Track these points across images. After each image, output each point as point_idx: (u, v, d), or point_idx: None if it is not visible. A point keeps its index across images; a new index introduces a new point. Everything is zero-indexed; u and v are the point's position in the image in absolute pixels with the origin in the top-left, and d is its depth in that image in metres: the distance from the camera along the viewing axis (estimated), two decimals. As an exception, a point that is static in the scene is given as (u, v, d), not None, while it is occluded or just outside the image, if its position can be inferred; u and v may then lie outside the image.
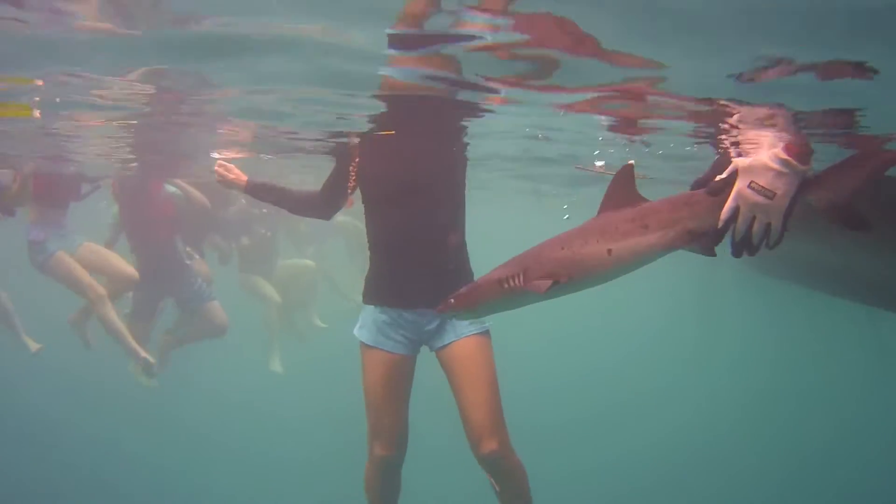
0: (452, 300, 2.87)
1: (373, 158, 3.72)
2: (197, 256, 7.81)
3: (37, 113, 4.59)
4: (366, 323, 3.71)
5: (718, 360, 15.81)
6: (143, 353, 6.86)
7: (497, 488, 3.62)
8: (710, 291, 18.12)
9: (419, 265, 3.57)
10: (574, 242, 2.69)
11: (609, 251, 2.63)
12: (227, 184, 4.05)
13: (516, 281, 2.72)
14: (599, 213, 2.76)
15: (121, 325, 6.75)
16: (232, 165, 4.07)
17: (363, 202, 3.71)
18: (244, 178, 4.02)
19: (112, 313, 6.68)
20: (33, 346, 8.08)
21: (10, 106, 4.37)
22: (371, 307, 3.72)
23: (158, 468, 9.15)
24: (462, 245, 3.68)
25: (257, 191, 4.01)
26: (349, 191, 3.78)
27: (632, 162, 2.76)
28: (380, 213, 3.67)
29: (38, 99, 4.13)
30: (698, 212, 2.58)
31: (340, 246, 11.48)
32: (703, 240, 2.56)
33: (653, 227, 2.62)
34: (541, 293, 2.65)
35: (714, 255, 2.57)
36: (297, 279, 10.28)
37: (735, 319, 17.19)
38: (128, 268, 6.91)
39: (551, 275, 2.65)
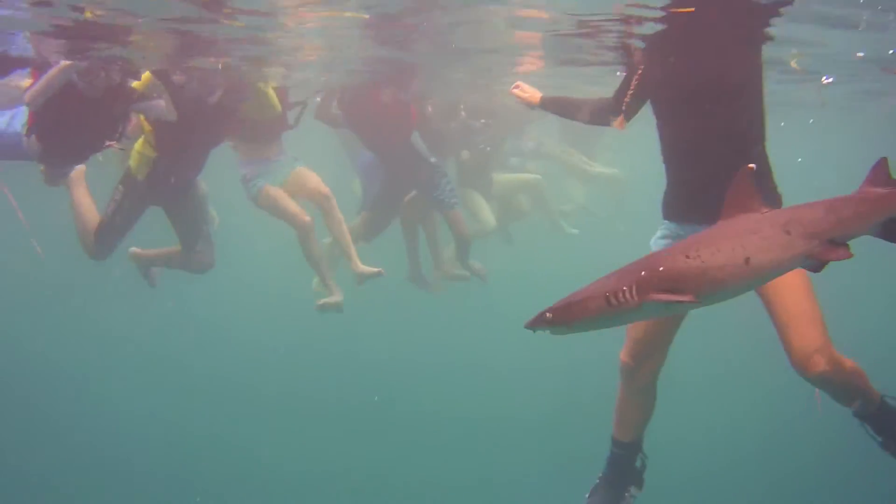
0: (549, 314, 2.44)
1: (664, 61, 3.61)
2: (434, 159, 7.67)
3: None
4: (664, 236, 3.60)
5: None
6: (336, 295, 6.88)
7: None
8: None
9: (716, 177, 3.12)
10: (702, 250, 2.37)
11: (747, 260, 2.34)
12: (523, 101, 4.21)
13: (627, 295, 2.34)
14: (724, 217, 2.53)
15: (321, 257, 6.88)
16: (524, 84, 4.25)
17: (654, 114, 3.64)
18: (538, 94, 4.17)
19: (314, 244, 6.76)
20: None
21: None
22: (668, 222, 3.59)
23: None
24: (764, 158, 3.42)
25: (550, 105, 4.16)
26: (624, 105, 3.77)
27: (752, 166, 2.62)
28: (673, 121, 3.52)
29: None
30: (845, 219, 2.43)
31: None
32: (844, 249, 2.42)
33: (796, 235, 2.40)
34: (659, 311, 2.42)
35: (851, 255, 2.41)
36: (520, 191, 9.83)
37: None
38: (323, 186, 6.93)
39: (673, 289, 2.30)
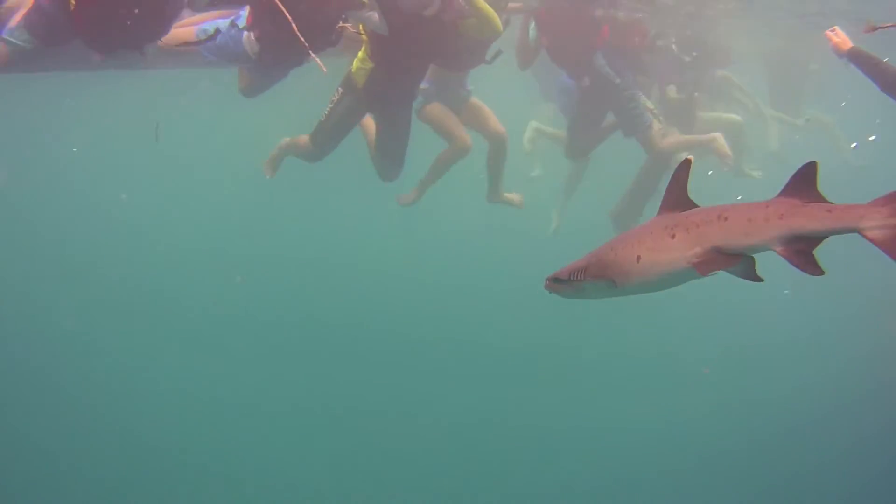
0: (546, 282, 2.69)
1: None
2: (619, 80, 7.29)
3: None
4: None
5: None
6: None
7: None
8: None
9: None
10: (620, 244, 2.50)
11: (638, 258, 2.39)
12: (834, 45, 4.30)
13: (576, 275, 2.55)
14: (659, 212, 2.53)
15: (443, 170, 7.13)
16: (839, 29, 4.39)
17: None
18: (849, 43, 4.27)
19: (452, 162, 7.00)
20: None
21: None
22: None
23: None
24: None
25: (858, 58, 4.19)
26: None
27: (690, 157, 2.55)
28: None
29: None
30: (734, 229, 2.24)
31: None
32: (733, 262, 2.25)
33: (679, 239, 2.31)
34: (598, 293, 2.50)
35: (760, 279, 2.26)
36: (720, 131, 9.15)
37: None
38: (500, 126, 7.16)
39: (602, 276, 2.46)
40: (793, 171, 2.27)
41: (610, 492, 9.11)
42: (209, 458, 9.04)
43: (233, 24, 5.45)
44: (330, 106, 6.02)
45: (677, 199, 2.48)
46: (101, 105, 13.49)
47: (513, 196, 7.73)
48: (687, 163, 2.49)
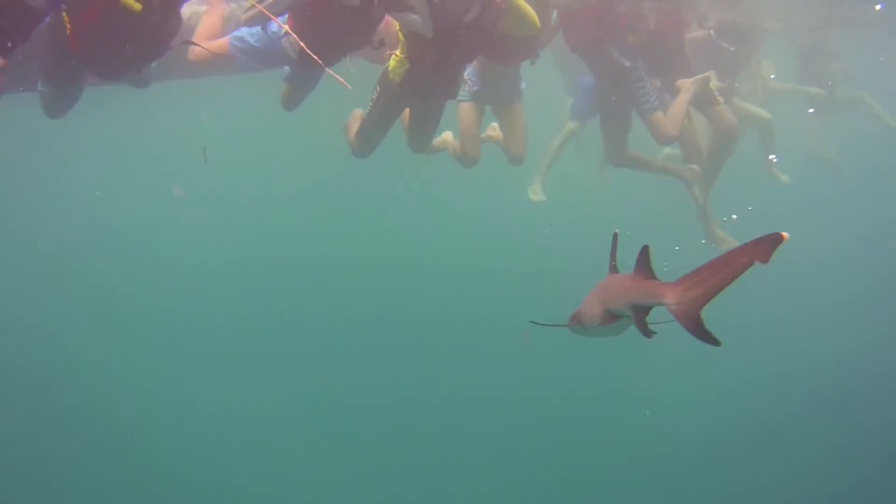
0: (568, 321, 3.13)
1: None
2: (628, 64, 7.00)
3: None
4: None
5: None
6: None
7: None
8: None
9: None
10: (585, 300, 2.98)
11: (586, 312, 2.92)
12: None
13: (573, 319, 3.04)
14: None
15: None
16: None
17: None
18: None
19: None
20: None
21: None
22: None
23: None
24: None
25: None
26: None
27: (616, 230, 3.03)
28: None
29: None
30: (609, 295, 2.79)
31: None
32: (613, 320, 2.76)
33: (596, 300, 2.88)
34: (582, 333, 3.00)
35: (649, 334, 2.58)
36: (749, 123, 9.11)
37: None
38: (522, 151, 7.20)
39: (580, 321, 2.96)
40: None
41: (632, 468, 9.31)
42: (210, 463, 9.23)
43: (264, 29, 5.71)
44: (370, 104, 6.23)
45: (613, 265, 3.05)
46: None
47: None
48: (616, 235, 3.05)
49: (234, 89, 8.44)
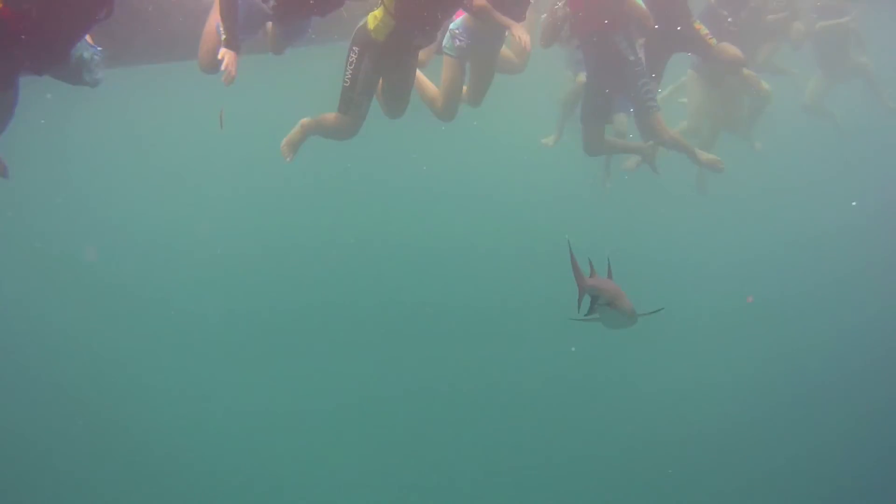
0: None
1: None
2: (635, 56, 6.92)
3: None
4: None
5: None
6: None
7: None
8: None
9: None
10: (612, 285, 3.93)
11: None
12: None
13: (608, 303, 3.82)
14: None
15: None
16: None
17: None
18: None
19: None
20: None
21: None
22: None
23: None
24: None
25: None
26: None
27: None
28: None
29: None
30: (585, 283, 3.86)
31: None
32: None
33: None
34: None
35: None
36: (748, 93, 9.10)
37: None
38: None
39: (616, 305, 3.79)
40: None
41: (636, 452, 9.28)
42: (220, 457, 9.23)
43: None
44: (350, 69, 5.79)
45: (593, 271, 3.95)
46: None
47: None
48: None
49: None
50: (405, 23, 5.60)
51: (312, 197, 14.40)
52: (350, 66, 5.78)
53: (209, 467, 9.13)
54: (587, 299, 3.76)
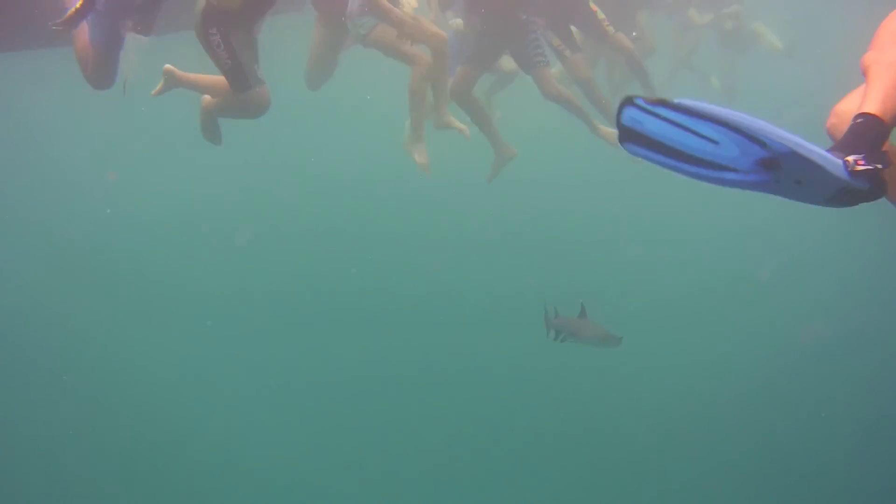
0: None
1: None
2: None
3: None
4: None
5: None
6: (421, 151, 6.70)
7: None
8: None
9: None
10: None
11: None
12: None
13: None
14: None
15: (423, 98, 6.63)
16: None
17: None
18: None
19: (425, 87, 6.57)
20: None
21: None
22: None
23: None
24: None
25: None
26: None
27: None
28: None
29: None
30: None
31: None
32: None
33: None
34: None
35: None
36: None
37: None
38: (439, 29, 6.59)
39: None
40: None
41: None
42: (221, 448, 9.30)
43: None
44: (218, 51, 5.18)
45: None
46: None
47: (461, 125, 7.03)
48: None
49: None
50: None
51: (299, 186, 14.35)
52: (218, 47, 5.15)
53: (210, 457, 9.19)
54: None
